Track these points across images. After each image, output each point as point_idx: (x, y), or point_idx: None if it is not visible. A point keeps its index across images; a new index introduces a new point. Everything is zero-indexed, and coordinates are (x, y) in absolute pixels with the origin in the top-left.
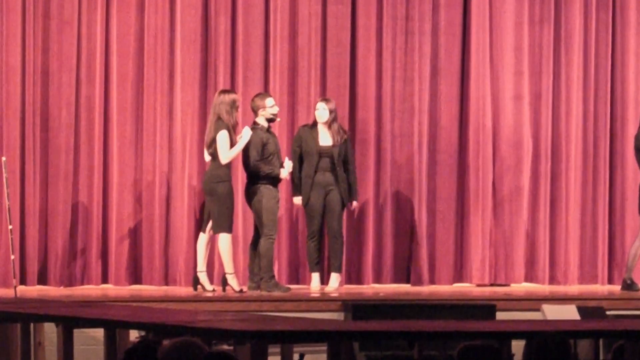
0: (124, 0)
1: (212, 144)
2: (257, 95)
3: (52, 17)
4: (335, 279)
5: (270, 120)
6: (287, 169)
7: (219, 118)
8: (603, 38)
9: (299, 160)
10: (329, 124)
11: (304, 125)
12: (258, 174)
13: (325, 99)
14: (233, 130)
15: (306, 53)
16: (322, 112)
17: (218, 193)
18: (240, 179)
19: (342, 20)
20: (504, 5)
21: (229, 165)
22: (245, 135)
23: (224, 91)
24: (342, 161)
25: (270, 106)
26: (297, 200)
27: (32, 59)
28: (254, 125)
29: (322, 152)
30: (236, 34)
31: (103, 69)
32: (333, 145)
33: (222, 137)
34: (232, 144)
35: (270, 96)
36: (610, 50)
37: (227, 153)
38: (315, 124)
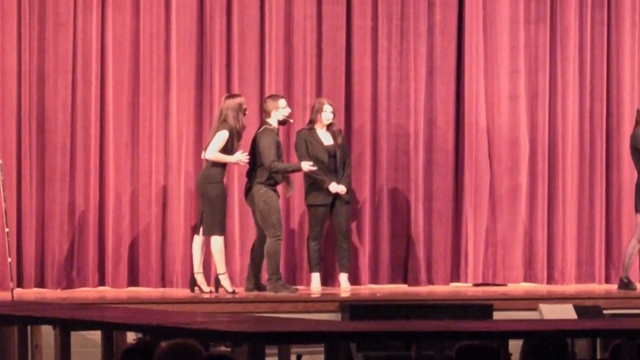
0: (119, 2)
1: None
2: (269, 97)
3: (48, 19)
4: (345, 279)
5: (282, 123)
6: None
7: (224, 120)
8: (598, 36)
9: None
10: (329, 125)
11: (302, 129)
12: (277, 174)
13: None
14: (238, 135)
15: (301, 54)
16: (329, 114)
17: (209, 195)
18: (236, 180)
19: (337, 21)
20: (500, 4)
21: (223, 166)
22: (235, 157)
23: (230, 95)
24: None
25: (283, 107)
26: (337, 187)
27: (27, 61)
28: (265, 126)
29: (330, 153)
30: (231, 35)
31: (99, 71)
32: (337, 145)
33: (220, 136)
34: (230, 148)
35: (282, 97)
36: (605, 49)
37: (215, 152)
38: (311, 127)
